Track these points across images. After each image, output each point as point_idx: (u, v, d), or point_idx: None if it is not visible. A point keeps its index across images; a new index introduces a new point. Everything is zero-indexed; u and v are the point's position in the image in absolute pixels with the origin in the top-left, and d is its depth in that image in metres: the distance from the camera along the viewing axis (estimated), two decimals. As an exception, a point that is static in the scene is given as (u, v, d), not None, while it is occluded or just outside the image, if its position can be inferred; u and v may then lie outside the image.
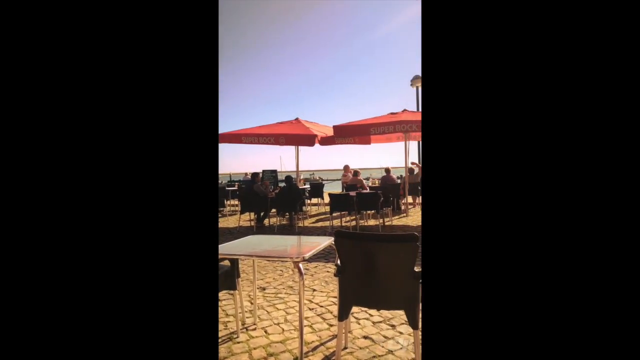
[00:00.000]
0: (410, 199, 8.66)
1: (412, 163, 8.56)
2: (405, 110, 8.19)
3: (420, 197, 9.08)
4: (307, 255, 1.80)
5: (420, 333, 1.70)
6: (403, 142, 8.26)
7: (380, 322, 2.38)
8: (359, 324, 2.37)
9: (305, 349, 2.05)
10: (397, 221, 6.84)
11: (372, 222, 6.77)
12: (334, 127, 7.40)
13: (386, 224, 6.48)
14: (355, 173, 8.39)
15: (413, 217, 7.29)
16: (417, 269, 1.71)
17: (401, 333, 2.20)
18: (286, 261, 3.52)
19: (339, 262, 1.83)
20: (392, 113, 7.96)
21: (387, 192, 6.86)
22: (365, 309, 2.54)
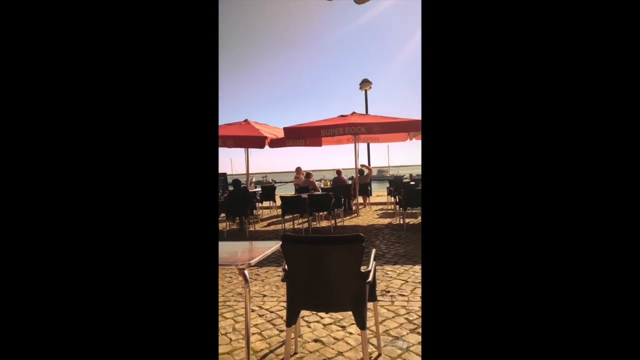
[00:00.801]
0: (360, 199, 8.87)
1: (362, 165, 8.77)
2: (354, 113, 8.37)
3: (369, 197, 9.34)
4: (253, 262, 1.74)
5: (366, 333, 1.72)
6: (353, 144, 8.45)
7: (331, 323, 2.38)
8: (310, 327, 2.35)
9: (254, 359, 1.99)
10: (348, 221, 6.96)
11: (324, 224, 6.82)
12: (285, 129, 7.35)
13: (338, 224, 6.56)
14: (308, 175, 8.41)
15: (363, 217, 7.46)
16: (362, 269, 1.73)
17: (351, 334, 2.22)
18: (232, 268, 3.41)
19: (286, 266, 1.80)
20: (341, 115, 8.09)
21: (339, 193, 6.96)
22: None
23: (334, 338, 2.18)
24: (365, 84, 10.82)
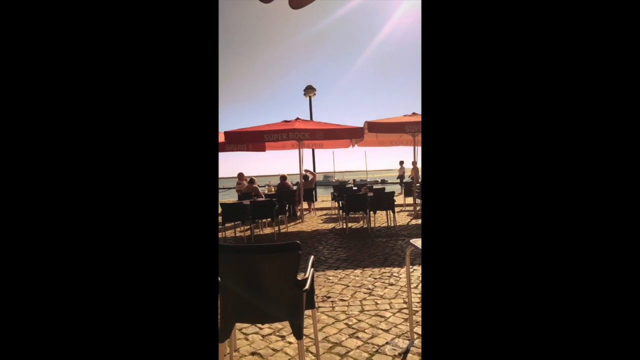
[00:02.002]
0: (305, 205, 8.88)
1: (306, 170, 8.80)
2: (298, 118, 8.39)
3: (314, 203, 9.40)
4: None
5: (303, 342, 1.68)
6: (297, 150, 8.45)
7: (270, 334, 2.31)
8: (247, 339, 2.25)
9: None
10: (292, 228, 6.91)
11: (267, 231, 6.69)
12: (225, 133, 7.12)
13: (282, 231, 6.48)
14: (251, 181, 8.22)
15: (308, 222, 7.47)
16: (300, 276, 1.69)
17: (291, 343, 2.17)
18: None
19: (219, 278, 1.70)
20: (285, 121, 8.06)
21: (283, 199, 6.89)
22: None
23: (273, 349, 2.11)
24: (309, 90, 10.92)
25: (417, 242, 1.90)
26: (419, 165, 8.34)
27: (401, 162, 13.20)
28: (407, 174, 12.74)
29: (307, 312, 1.81)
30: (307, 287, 1.66)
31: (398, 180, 12.63)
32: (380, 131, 7.03)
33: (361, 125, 7.17)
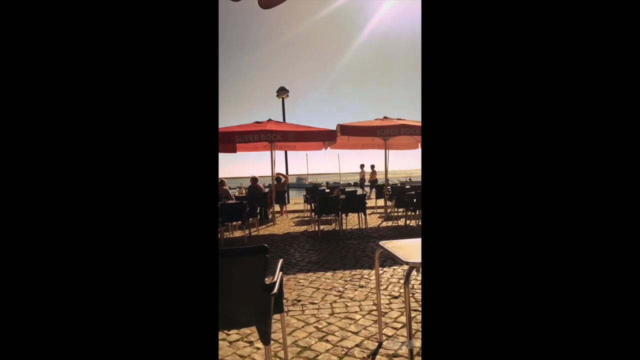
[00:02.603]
0: (277, 207, 8.79)
1: (278, 173, 8.72)
2: (270, 120, 8.31)
3: (287, 205, 9.33)
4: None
5: (270, 348, 1.65)
6: (269, 152, 8.36)
7: (238, 340, 2.24)
8: (214, 347, 2.18)
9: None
10: (263, 230, 6.81)
11: (238, 234, 6.56)
12: (196, 134, 6.92)
13: (253, 234, 6.37)
14: (222, 182, 8.03)
15: (280, 225, 7.40)
16: (267, 280, 1.66)
17: (259, 348, 2.12)
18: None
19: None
20: (257, 122, 7.96)
21: (254, 201, 6.78)
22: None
23: (240, 356, 2.05)
24: (282, 92, 10.86)
25: (387, 244, 1.92)
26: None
27: (362, 166, 13.37)
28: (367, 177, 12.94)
29: (276, 316, 1.77)
30: (275, 291, 1.63)
31: (368, 184, 12.80)
32: (352, 134, 7.10)
33: (334, 128, 7.21)
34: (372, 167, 12.91)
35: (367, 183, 12.89)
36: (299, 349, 2.09)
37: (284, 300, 2.88)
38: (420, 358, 1.91)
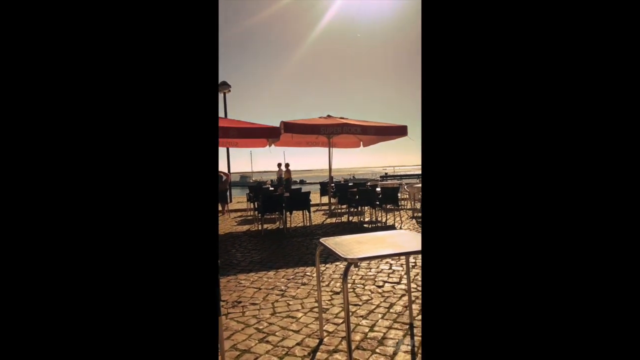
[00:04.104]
0: (218, 207, 8.48)
1: (220, 171, 8.41)
2: (211, 115, 7.96)
3: (228, 204, 9.04)
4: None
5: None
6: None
7: (171, 349, 2.10)
8: (144, 358, 2.01)
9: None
10: (204, 231, 6.51)
11: (176, 235, 6.19)
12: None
13: (192, 235, 6.06)
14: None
15: (221, 225, 7.14)
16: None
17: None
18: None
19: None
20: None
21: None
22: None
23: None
24: (223, 86, 10.48)
25: (327, 241, 1.92)
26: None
27: (279, 165, 13.40)
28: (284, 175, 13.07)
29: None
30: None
31: (283, 183, 12.86)
32: (296, 132, 7.07)
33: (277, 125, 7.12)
34: (287, 165, 13.11)
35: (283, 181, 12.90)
36: (238, 352, 2.02)
37: (223, 303, 2.77)
38: (357, 351, 1.95)
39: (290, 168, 13.00)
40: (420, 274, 3.35)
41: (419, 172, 34.50)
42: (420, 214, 7.48)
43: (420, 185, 8.70)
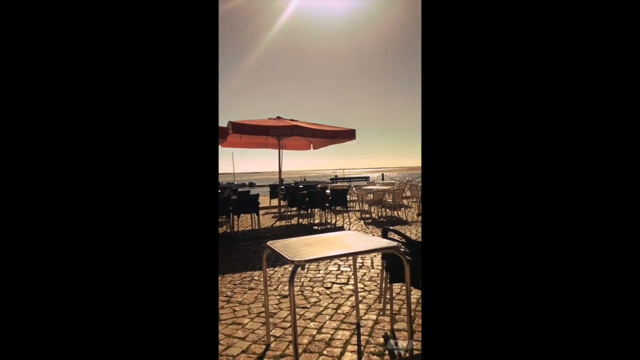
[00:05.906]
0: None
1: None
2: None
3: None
4: None
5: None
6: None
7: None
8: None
9: None
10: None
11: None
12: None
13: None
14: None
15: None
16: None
17: None
18: None
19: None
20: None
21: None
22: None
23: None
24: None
25: (274, 244, 1.88)
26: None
27: None
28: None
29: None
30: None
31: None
32: (245, 132, 6.91)
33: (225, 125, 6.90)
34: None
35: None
36: None
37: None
38: (304, 355, 1.93)
39: (239, 170, 12.71)
40: (366, 274, 3.43)
41: (367, 174, 35.67)
42: (367, 215, 7.69)
43: (367, 187, 8.96)
